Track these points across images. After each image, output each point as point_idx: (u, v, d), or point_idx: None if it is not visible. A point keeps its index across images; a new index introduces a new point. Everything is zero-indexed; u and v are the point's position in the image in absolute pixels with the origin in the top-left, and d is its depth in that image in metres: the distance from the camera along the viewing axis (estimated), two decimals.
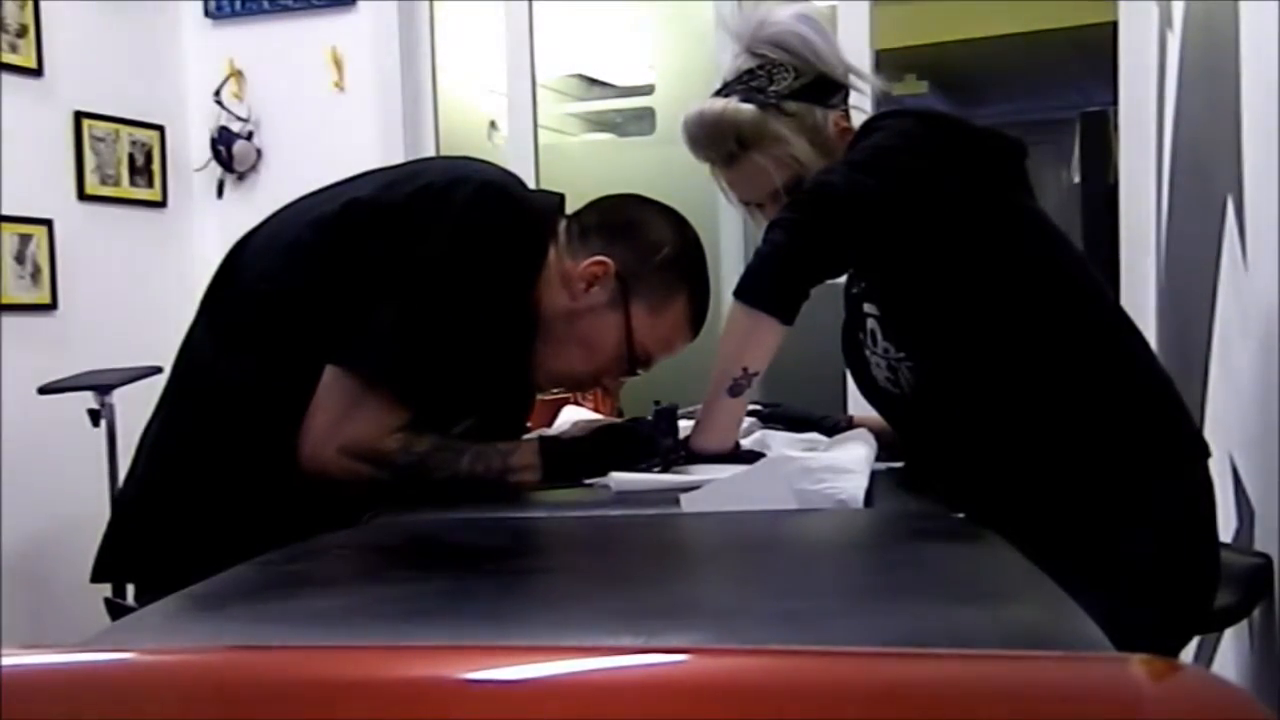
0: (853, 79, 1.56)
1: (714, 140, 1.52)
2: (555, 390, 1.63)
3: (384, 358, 1.36)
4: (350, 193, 1.44)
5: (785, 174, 1.50)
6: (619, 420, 1.55)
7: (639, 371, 1.52)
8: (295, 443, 1.36)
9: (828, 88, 1.52)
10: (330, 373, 1.37)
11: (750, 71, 1.51)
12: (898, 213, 1.36)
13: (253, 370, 1.40)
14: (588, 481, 1.43)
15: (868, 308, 1.47)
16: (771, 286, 1.35)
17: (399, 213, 1.39)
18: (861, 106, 1.61)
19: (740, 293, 1.37)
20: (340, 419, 1.36)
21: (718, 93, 1.53)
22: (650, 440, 1.41)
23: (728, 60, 1.56)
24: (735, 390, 1.38)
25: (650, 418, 1.44)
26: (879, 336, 1.46)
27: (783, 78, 1.49)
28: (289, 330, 1.41)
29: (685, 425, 1.46)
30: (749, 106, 1.49)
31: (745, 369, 1.37)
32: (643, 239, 1.48)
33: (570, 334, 1.47)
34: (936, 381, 1.42)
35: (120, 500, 1.55)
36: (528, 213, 1.45)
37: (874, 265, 1.46)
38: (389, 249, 1.38)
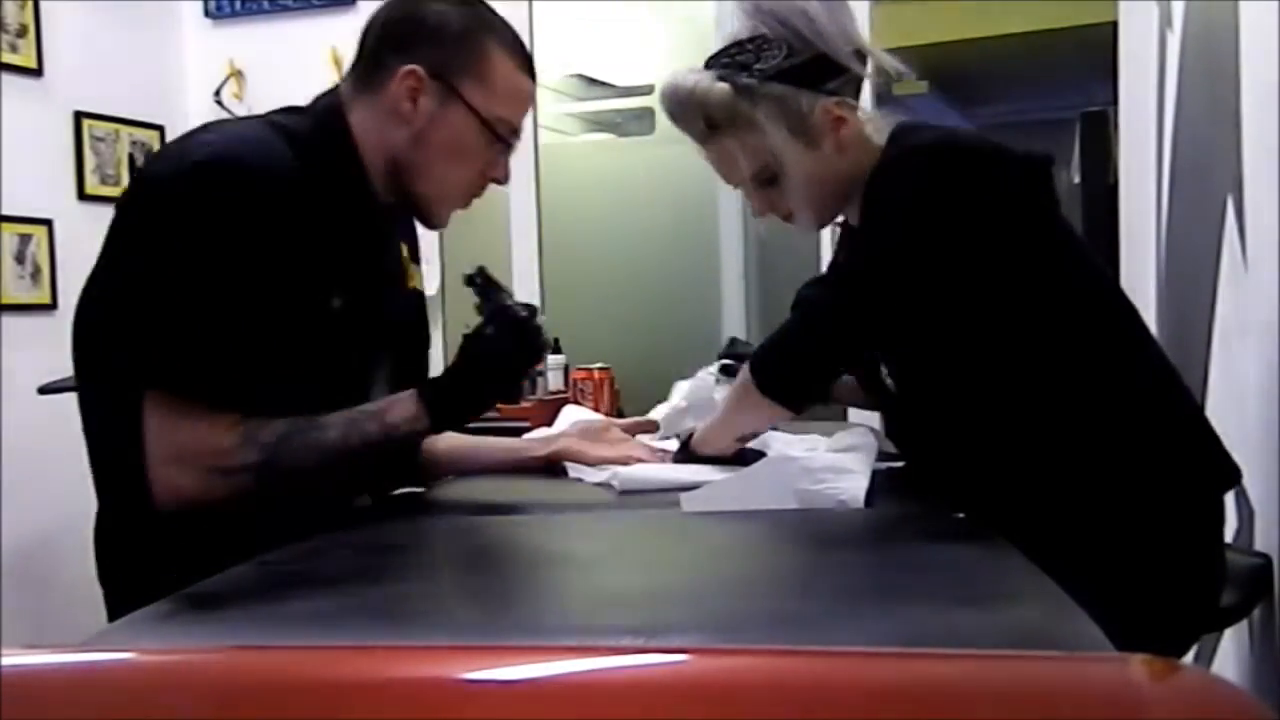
0: (858, 67, 1.45)
1: (684, 117, 1.47)
2: (458, 209, 1.46)
3: (174, 360, 1.25)
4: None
5: (755, 163, 1.44)
6: (481, 332, 1.35)
7: (513, 144, 1.43)
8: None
9: (823, 71, 1.40)
10: (145, 395, 1.27)
11: (740, 44, 1.40)
12: (929, 297, 1.32)
13: (87, 402, 1.34)
14: (593, 482, 1.43)
15: None
16: (787, 380, 1.35)
17: (126, 209, 1.33)
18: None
19: (756, 373, 1.36)
20: (161, 436, 1.25)
21: (708, 61, 1.44)
22: (529, 341, 1.32)
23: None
24: (741, 440, 1.43)
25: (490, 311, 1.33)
26: None
27: (771, 55, 1.38)
28: (91, 355, 1.33)
29: (691, 425, 1.47)
30: (722, 86, 1.41)
31: (753, 432, 1.43)
32: (427, 26, 1.38)
33: (431, 154, 1.38)
34: (935, 383, 1.41)
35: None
36: (260, 167, 1.28)
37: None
38: (126, 249, 1.31)
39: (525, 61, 1.43)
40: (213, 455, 1.25)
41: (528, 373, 1.37)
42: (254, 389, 1.26)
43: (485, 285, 1.35)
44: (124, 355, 1.27)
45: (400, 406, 1.32)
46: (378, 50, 1.40)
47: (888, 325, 1.34)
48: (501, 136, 1.40)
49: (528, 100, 1.44)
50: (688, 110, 1.46)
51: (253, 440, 1.25)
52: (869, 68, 1.48)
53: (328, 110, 1.41)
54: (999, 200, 1.32)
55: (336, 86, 1.44)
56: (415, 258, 1.58)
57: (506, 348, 1.33)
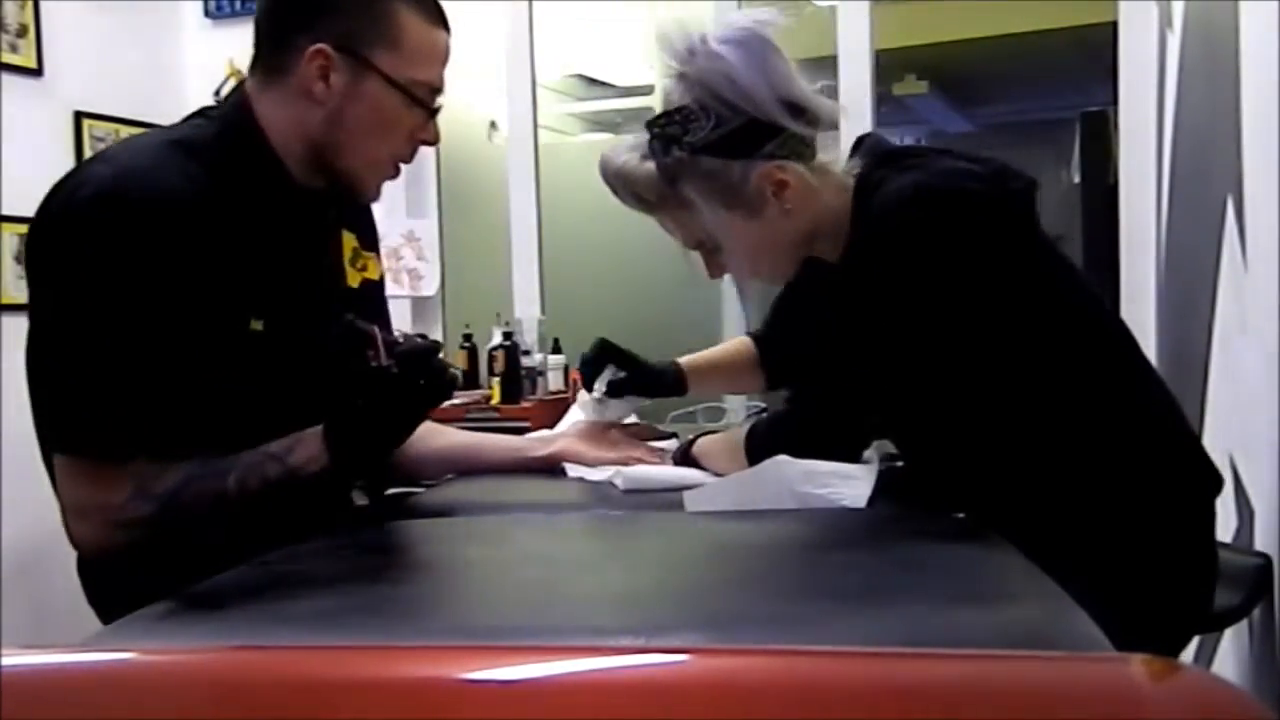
0: (794, 122, 1.31)
1: (619, 192, 1.48)
2: (388, 179, 1.39)
3: (62, 420, 1.26)
4: None
5: (691, 238, 1.45)
6: (389, 371, 1.25)
7: (439, 107, 1.36)
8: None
9: (755, 136, 1.29)
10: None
11: (669, 114, 1.31)
12: (922, 369, 1.30)
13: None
14: (594, 481, 1.43)
15: None
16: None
17: (27, 250, 1.28)
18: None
19: (750, 452, 1.34)
20: (64, 490, 1.27)
21: (647, 124, 1.35)
22: (436, 380, 1.25)
23: None
24: None
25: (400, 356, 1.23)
26: None
27: (699, 128, 1.29)
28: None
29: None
30: (647, 168, 1.39)
31: None
32: (324, 2, 1.32)
33: (352, 131, 1.32)
34: (933, 404, 1.40)
35: None
36: (151, 195, 1.23)
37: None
38: (30, 297, 1.27)
39: (436, 14, 1.35)
40: (106, 510, 1.23)
41: (430, 411, 1.31)
42: (154, 432, 1.22)
43: (354, 335, 1.25)
44: (37, 411, 1.29)
45: (305, 446, 1.26)
46: (278, 33, 1.33)
47: (883, 412, 1.34)
48: (421, 100, 1.34)
49: (444, 56, 1.36)
50: (620, 188, 1.47)
51: (145, 493, 1.22)
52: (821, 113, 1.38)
53: (234, 108, 1.36)
54: (980, 257, 1.26)
55: (242, 82, 1.38)
56: (371, 246, 1.52)
57: (415, 386, 1.25)
